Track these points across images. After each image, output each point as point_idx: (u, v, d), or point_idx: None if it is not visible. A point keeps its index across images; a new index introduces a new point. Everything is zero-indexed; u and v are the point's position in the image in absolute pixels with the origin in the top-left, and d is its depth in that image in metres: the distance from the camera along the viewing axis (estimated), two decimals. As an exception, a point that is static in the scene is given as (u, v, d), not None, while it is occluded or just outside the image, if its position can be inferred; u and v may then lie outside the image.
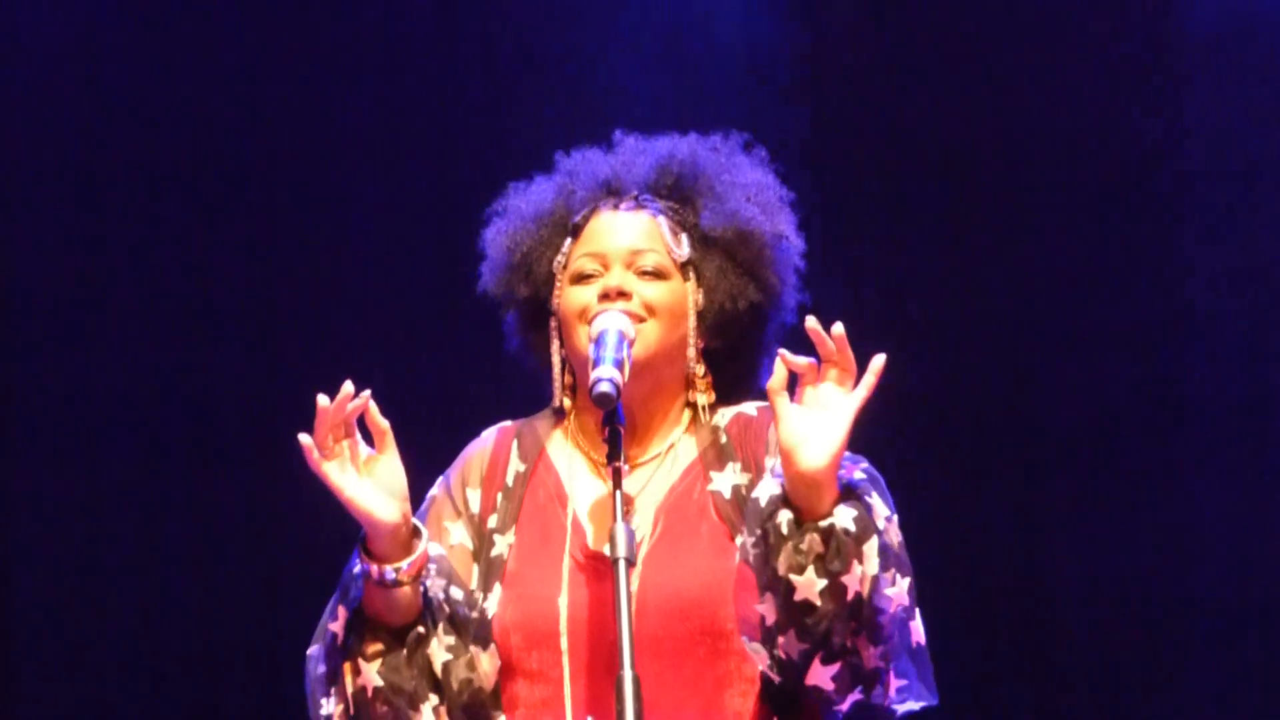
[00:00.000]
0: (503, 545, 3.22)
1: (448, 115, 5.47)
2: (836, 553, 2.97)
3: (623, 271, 3.24)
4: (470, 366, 5.18)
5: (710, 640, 3.12)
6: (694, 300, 3.26)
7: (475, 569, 3.22)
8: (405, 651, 3.11)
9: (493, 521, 3.24)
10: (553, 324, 3.29)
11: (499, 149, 5.28)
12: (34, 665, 5.38)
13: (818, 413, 3.02)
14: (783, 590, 2.98)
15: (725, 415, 3.29)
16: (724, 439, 3.26)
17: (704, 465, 3.24)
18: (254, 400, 5.38)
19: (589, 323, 3.20)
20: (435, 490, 3.31)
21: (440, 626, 3.13)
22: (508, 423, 3.35)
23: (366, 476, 3.08)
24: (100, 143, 5.44)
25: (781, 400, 3.02)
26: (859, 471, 3.08)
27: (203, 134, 5.46)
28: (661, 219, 3.29)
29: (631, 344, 3.17)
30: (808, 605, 2.97)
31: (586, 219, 3.30)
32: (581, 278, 3.25)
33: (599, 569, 3.15)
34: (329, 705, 3.14)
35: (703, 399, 3.27)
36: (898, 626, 3.02)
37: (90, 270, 5.38)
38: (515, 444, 3.30)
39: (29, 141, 5.43)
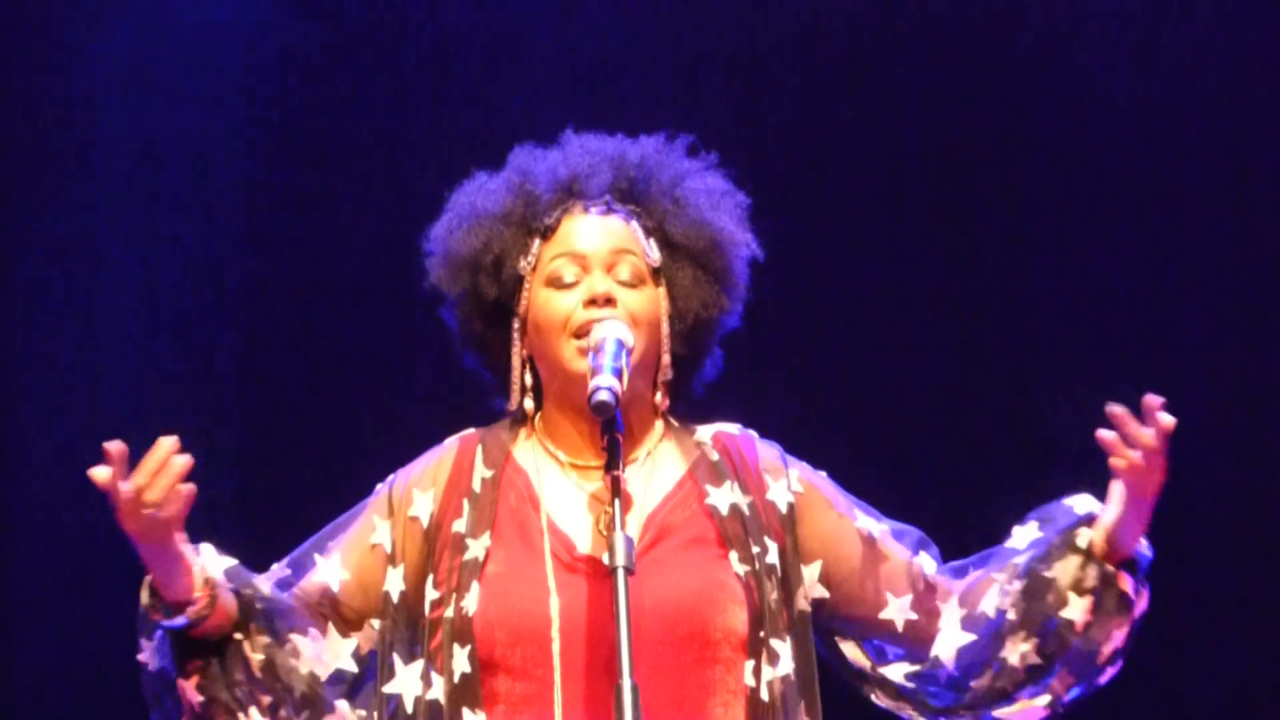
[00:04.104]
0: (478, 549, 3.21)
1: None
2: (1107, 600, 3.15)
3: (603, 276, 3.24)
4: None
5: (698, 648, 3.14)
6: (664, 307, 3.28)
7: (390, 572, 3.24)
8: (219, 662, 3.13)
9: (459, 526, 3.23)
10: (515, 325, 3.28)
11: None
12: (33, 664, 5.39)
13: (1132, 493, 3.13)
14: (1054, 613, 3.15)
15: (706, 431, 3.33)
16: (714, 455, 3.29)
17: (696, 479, 3.27)
18: (257, 402, 5.38)
19: (576, 332, 3.21)
20: (379, 486, 3.32)
21: (252, 626, 3.14)
22: (470, 430, 3.35)
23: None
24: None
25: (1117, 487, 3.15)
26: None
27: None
28: (634, 223, 3.29)
29: (630, 352, 3.18)
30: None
31: (558, 220, 3.29)
32: (559, 283, 3.25)
33: (586, 569, 3.17)
34: None
35: (658, 398, 3.30)
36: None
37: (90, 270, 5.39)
38: (480, 450, 3.30)
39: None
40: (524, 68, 5.44)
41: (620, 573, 2.97)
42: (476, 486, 3.26)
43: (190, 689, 3.12)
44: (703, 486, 3.25)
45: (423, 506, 3.27)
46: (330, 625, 3.25)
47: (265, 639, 3.15)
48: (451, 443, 3.33)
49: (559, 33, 5.48)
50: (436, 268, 3.33)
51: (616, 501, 3.05)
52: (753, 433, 3.37)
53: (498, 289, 3.29)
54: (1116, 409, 3.07)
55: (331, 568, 3.26)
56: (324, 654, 3.20)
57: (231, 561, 3.20)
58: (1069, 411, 5.31)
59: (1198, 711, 5.30)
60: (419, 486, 3.28)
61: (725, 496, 3.25)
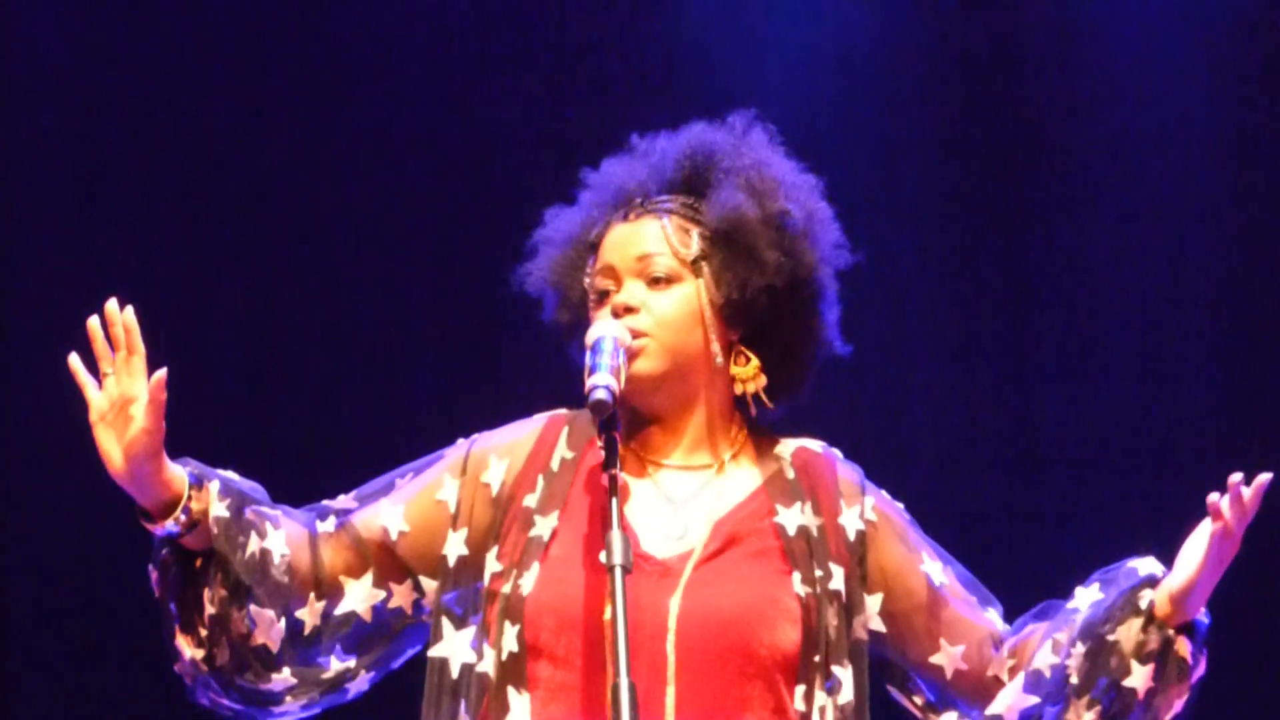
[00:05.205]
0: (544, 527, 3.21)
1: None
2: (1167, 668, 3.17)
3: (633, 283, 3.24)
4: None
5: (740, 661, 3.12)
6: (707, 297, 3.26)
7: (450, 535, 3.24)
8: (182, 576, 3.15)
9: (530, 500, 3.23)
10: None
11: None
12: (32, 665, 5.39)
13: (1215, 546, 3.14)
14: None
15: (788, 446, 3.31)
16: (790, 474, 3.28)
17: (769, 495, 3.25)
18: (255, 408, 5.39)
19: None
20: (459, 440, 3.33)
21: (219, 577, 3.14)
22: (560, 410, 3.35)
23: (118, 421, 3.08)
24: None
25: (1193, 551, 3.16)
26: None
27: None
28: (667, 220, 3.27)
29: (628, 350, 3.18)
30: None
31: (601, 235, 3.31)
32: (599, 299, 3.27)
33: (644, 569, 3.15)
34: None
35: (753, 386, 3.27)
36: None
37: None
38: (566, 430, 3.30)
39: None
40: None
41: (617, 571, 2.97)
42: (555, 465, 3.27)
43: (154, 581, 3.17)
44: (773, 503, 3.24)
45: (496, 473, 3.27)
46: (371, 571, 3.25)
47: (224, 591, 3.15)
48: (540, 418, 3.34)
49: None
50: (538, 298, 3.37)
51: (614, 500, 3.04)
52: (836, 451, 3.33)
53: (569, 314, 3.32)
54: (1237, 477, 3.08)
55: (394, 515, 3.26)
56: (279, 629, 3.18)
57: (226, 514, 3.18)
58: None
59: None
60: (497, 454, 3.29)
61: (794, 517, 3.23)
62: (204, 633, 3.15)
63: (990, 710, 3.24)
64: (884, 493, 3.32)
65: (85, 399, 3.10)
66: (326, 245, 5.53)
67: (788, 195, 3.29)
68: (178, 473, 3.14)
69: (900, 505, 3.33)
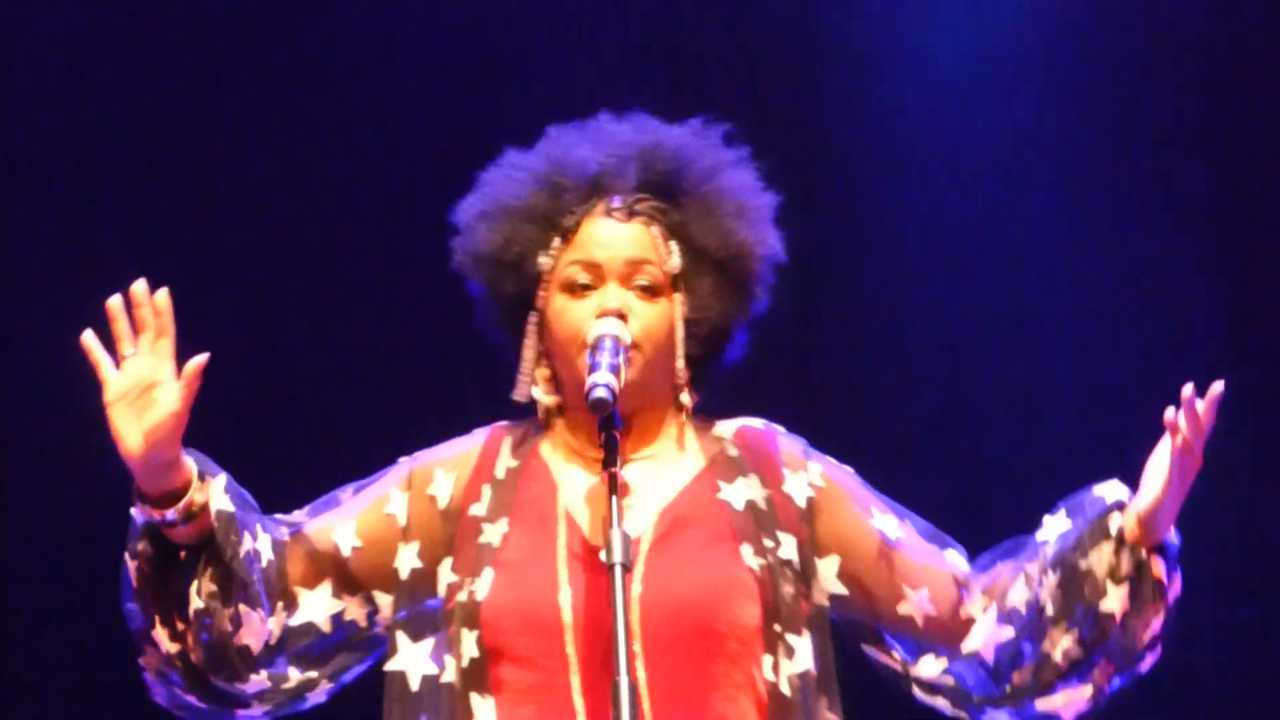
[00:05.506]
0: (493, 534, 3.21)
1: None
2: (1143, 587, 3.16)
3: (617, 286, 3.23)
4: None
5: (704, 640, 3.14)
6: (682, 312, 3.26)
7: (401, 547, 3.23)
8: (164, 566, 3.10)
9: (478, 510, 3.23)
10: (532, 319, 3.28)
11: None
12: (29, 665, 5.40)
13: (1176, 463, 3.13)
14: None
15: (729, 427, 3.32)
16: (733, 451, 3.29)
17: (713, 475, 3.26)
18: (252, 409, 5.39)
19: (587, 347, 3.18)
20: (401, 459, 3.32)
21: (209, 572, 3.11)
22: (501, 422, 3.36)
23: (139, 402, 3.04)
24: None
25: (1155, 472, 3.16)
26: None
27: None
28: (654, 228, 3.27)
29: (628, 350, 3.18)
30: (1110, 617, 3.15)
31: (579, 222, 3.27)
32: (574, 288, 3.24)
33: (596, 562, 3.15)
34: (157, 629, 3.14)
35: (685, 398, 3.29)
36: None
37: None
38: (508, 440, 3.31)
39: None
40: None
41: (617, 569, 2.98)
42: (500, 474, 3.27)
43: (132, 570, 3.11)
44: (717, 481, 3.25)
45: (443, 487, 3.27)
46: (328, 581, 3.23)
47: (214, 586, 3.11)
48: (481, 432, 3.34)
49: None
50: (460, 254, 3.33)
51: (614, 498, 3.05)
52: (778, 427, 3.36)
53: (517, 285, 3.28)
54: (1189, 389, 3.09)
55: (345, 530, 3.25)
56: (263, 629, 3.16)
57: (229, 509, 3.15)
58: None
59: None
60: (443, 467, 3.29)
61: (740, 491, 3.25)
62: (181, 627, 3.11)
63: (966, 646, 3.25)
64: (829, 458, 3.34)
65: (100, 378, 3.04)
66: (326, 245, 5.53)
67: (771, 225, 3.32)
68: (187, 462, 3.09)
69: (849, 469, 3.34)
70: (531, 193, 3.29)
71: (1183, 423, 3.10)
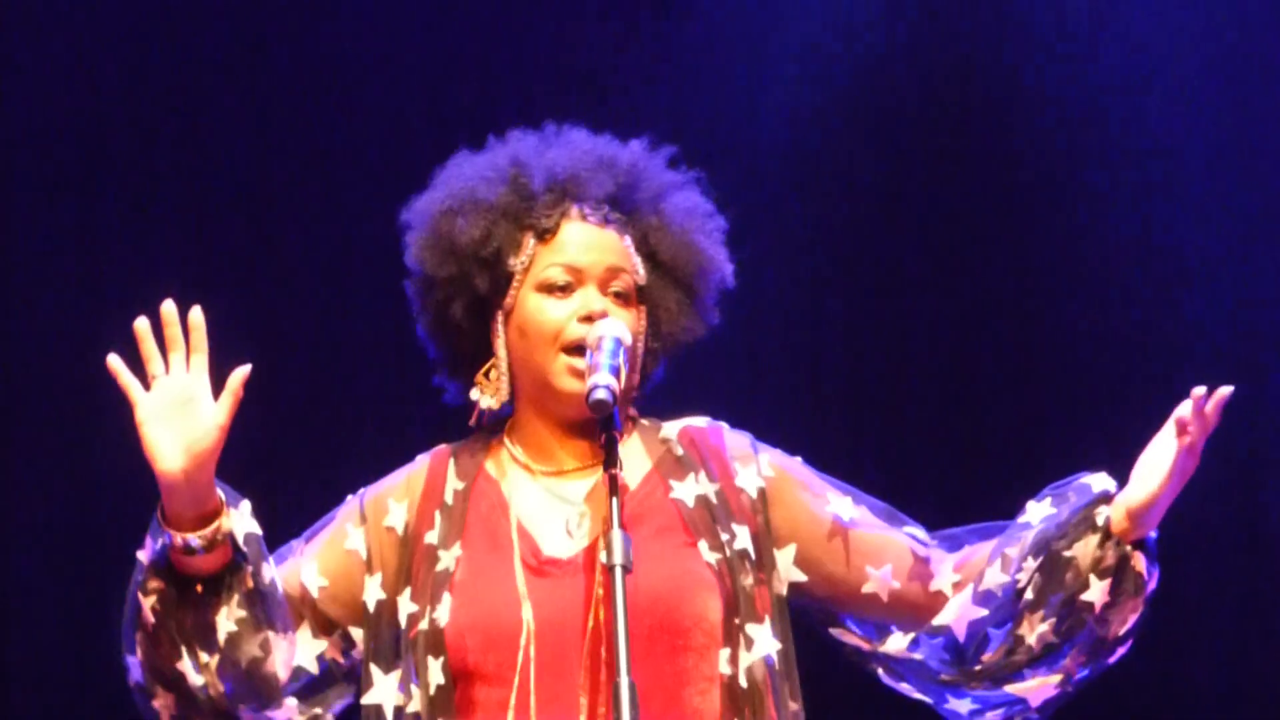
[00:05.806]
0: (449, 559, 3.21)
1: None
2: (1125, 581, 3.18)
3: (595, 291, 3.24)
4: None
5: (669, 637, 3.15)
6: (643, 326, 3.29)
7: (366, 580, 3.23)
8: (182, 599, 3.09)
9: (432, 537, 3.23)
10: (499, 318, 3.28)
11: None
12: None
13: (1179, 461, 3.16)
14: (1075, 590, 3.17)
15: (673, 428, 3.33)
16: (679, 450, 3.29)
17: (661, 475, 3.27)
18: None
19: (566, 347, 3.20)
20: (348, 498, 3.31)
21: (235, 598, 3.10)
22: (441, 446, 3.35)
23: (176, 419, 3.05)
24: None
25: (1152, 467, 3.18)
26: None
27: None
28: (626, 238, 3.29)
29: (628, 351, 3.18)
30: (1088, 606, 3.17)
31: (556, 224, 3.27)
32: (551, 288, 3.24)
33: (556, 573, 3.18)
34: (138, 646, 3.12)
35: (632, 409, 3.32)
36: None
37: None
38: (452, 463, 3.30)
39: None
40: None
41: (618, 570, 2.98)
42: (449, 498, 3.26)
43: (147, 605, 3.08)
44: (667, 481, 3.25)
45: (398, 516, 3.26)
46: (306, 624, 3.23)
47: (242, 613, 3.11)
48: (423, 458, 3.33)
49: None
50: (424, 248, 3.30)
51: (614, 500, 3.05)
52: (722, 423, 3.36)
53: (488, 283, 3.27)
54: (1200, 389, 3.13)
55: (310, 572, 3.24)
56: (291, 655, 3.18)
57: (257, 531, 3.16)
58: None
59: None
60: (393, 496, 3.28)
61: (691, 488, 3.25)
62: (206, 658, 3.10)
63: (938, 620, 3.27)
64: (777, 450, 3.35)
65: (130, 400, 3.04)
66: (327, 244, 5.53)
67: (723, 247, 3.35)
68: (217, 486, 3.09)
69: (798, 458, 3.36)
70: (503, 190, 3.29)
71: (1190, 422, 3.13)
